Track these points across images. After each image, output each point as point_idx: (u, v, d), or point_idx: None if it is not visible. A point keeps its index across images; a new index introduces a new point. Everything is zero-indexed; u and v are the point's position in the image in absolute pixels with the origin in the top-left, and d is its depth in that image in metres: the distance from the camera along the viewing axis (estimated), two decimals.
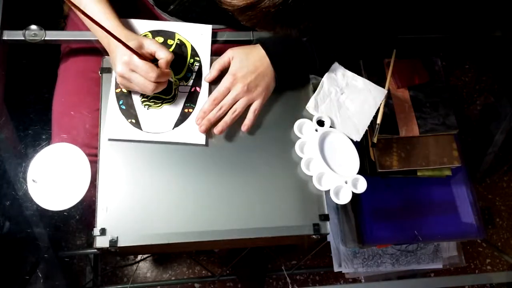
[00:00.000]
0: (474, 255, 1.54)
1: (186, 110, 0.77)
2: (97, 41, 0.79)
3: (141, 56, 0.69)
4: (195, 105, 0.78)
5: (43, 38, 0.82)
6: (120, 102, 0.76)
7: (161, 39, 0.80)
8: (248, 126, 0.77)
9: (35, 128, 0.87)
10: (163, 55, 0.71)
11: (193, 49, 0.81)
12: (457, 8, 1.04)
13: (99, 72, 0.79)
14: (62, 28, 1.04)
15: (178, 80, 0.78)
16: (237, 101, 0.76)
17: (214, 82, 0.79)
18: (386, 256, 1.02)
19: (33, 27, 0.82)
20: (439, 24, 0.97)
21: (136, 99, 0.76)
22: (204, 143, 0.76)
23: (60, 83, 0.90)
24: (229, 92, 0.75)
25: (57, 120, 0.88)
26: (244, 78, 0.75)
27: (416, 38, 0.95)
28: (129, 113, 0.75)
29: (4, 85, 0.88)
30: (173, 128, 0.76)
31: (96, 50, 0.88)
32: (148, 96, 0.76)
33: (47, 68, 0.96)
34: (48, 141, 0.86)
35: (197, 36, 0.81)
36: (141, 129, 0.75)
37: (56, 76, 0.91)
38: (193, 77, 0.79)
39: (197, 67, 0.80)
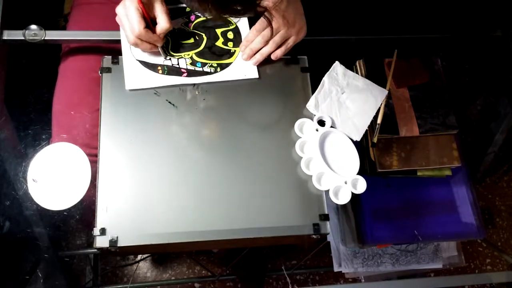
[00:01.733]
0: (474, 255, 1.54)
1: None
2: (97, 40, 0.79)
3: (144, 10, 0.71)
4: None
5: (43, 38, 0.82)
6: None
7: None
8: (278, 55, 0.80)
9: (35, 128, 0.87)
10: (161, 23, 0.74)
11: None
12: (457, 8, 1.04)
13: (99, 72, 0.79)
14: (62, 27, 1.04)
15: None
16: (277, 34, 0.78)
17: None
18: (386, 256, 1.02)
19: (33, 27, 0.82)
20: (439, 24, 0.97)
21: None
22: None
23: (60, 83, 0.90)
24: (270, 24, 0.77)
25: (57, 120, 0.88)
26: (285, 12, 0.77)
27: (416, 38, 0.95)
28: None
29: (4, 85, 0.88)
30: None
31: (96, 50, 0.88)
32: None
33: (47, 68, 0.96)
34: (48, 140, 0.86)
35: None
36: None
37: (56, 76, 0.91)
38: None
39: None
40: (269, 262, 1.43)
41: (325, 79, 0.82)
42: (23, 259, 0.99)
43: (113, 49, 0.88)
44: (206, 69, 0.80)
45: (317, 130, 0.78)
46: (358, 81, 0.82)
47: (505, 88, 1.02)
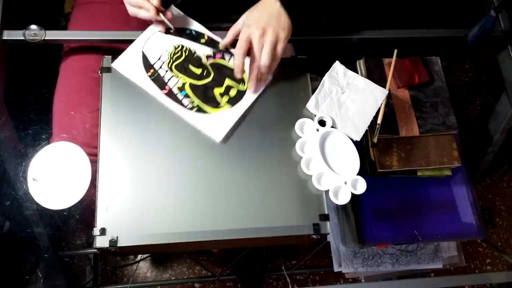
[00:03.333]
0: (474, 255, 1.54)
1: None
2: (98, 40, 0.79)
3: None
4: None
5: (43, 38, 0.82)
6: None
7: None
8: (273, 67, 0.78)
9: (35, 128, 0.87)
10: None
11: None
12: (457, 8, 1.04)
13: (99, 72, 0.79)
14: (62, 27, 1.04)
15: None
16: (262, 46, 0.75)
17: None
18: (386, 256, 1.02)
19: (33, 27, 0.82)
20: (439, 24, 0.97)
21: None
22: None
23: (60, 82, 0.90)
24: (250, 40, 0.75)
25: (57, 120, 0.88)
26: (258, 23, 0.75)
27: (416, 38, 0.95)
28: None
29: (4, 85, 0.88)
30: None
31: (97, 49, 0.88)
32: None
33: (47, 67, 0.96)
34: (48, 140, 0.86)
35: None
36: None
37: (56, 76, 0.91)
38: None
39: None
40: (269, 262, 1.43)
41: (325, 79, 0.82)
42: (23, 259, 0.99)
43: (113, 49, 0.88)
44: (185, 102, 0.78)
45: (317, 130, 0.78)
46: (358, 81, 0.82)
47: (505, 88, 1.02)
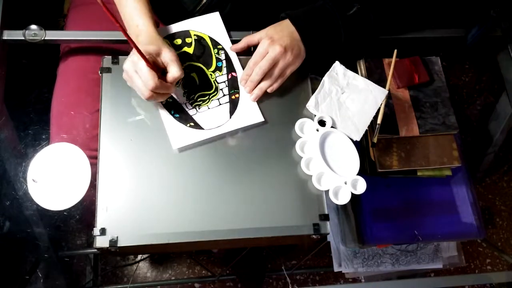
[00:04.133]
0: (474, 255, 1.54)
1: (233, 97, 0.80)
2: (97, 40, 0.79)
3: (150, 62, 0.68)
4: (238, 89, 0.80)
5: (43, 38, 0.82)
6: (172, 112, 0.77)
7: (179, 41, 0.82)
8: (274, 88, 0.79)
9: (35, 128, 0.87)
10: (172, 71, 0.71)
11: (212, 39, 0.83)
12: (456, 8, 1.04)
13: (99, 72, 0.79)
14: (62, 27, 1.04)
15: (212, 72, 0.81)
16: (275, 64, 0.76)
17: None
18: (386, 256, 1.02)
19: (33, 27, 0.82)
20: (439, 24, 0.97)
21: (185, 104, 0.79)
22: (263, 119, 0.78)
23: (59, 83, 0.90)
24: (265, 54, 0.76)
25: (56, 120, 0.88)
26: (281, 40, 0.76)
27: (416, 38, 0.95)
28: (184, 119, 0.77)
29: (4, 85, 0.88)
30: (230, 117, 0.78)
31: (96, 50, 0.88)
32: (193, 97, 0.79)
33: (47, 68, 0.96)
34: (48, 141, 0.86)
35: (210, 26, 0.83)
36: (203, 128, 0.76)
37: (56, 76, 0.91)
38: (224, 65, 0.82)
39: (223, 54, 0.82)
40: (269, 262, 1.43)
41: (325, 79, 0.82)
42: (23, 259, 0.99)
43: (113, 49, 0.88)
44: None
45: (317, 130, 0.78)
46: (358, 81, 0.82)
47: (505, 88, 1.02)
